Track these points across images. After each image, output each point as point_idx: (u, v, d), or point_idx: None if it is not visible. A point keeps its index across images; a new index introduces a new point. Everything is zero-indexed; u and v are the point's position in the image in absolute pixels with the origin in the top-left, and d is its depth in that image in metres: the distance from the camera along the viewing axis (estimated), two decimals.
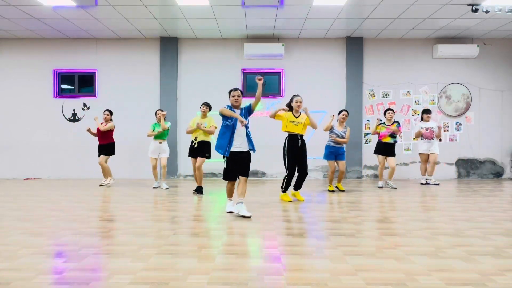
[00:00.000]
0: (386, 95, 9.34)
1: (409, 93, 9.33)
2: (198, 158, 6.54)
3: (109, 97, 9.35)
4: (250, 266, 2.77)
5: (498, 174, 9.40)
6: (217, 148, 4.75)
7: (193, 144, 6.63)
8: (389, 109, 7.49)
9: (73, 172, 9.36)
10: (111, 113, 7.72)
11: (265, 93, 9.42)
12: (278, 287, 2.39)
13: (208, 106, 6.79)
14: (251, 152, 4.82)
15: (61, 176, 9.39)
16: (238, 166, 4.71)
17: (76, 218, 4.51)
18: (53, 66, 9.39)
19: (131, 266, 2.77)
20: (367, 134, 9.31)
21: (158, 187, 7.43)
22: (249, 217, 4.45)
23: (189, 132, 6.75)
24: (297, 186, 5.93)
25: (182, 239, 3.56)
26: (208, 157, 6.61)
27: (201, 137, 6.57)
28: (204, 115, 6.75)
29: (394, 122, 7.37)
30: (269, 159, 8.91)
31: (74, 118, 9.41)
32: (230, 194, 4.94)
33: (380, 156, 7.37)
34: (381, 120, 7.50)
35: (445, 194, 6.71)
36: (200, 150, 6.54)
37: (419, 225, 4.12)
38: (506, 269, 2.73)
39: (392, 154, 7.29)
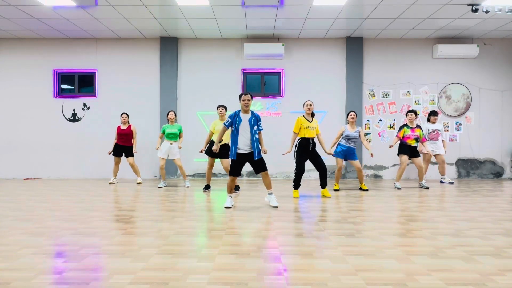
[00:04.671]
0: (386, 95, 9.34)
1: (409, 93, 9.33)
2: (223, 160, 6.70)
3: (109, 97, 9.36)
4: (250, 266, 2.77)
5: (498, 174, 9.40)
6: (230, 153, 5.21)
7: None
8: (410, 110, 7.36)
9: (73, 172, 9.37)
10: (128, 115, 8.19)
11: (265, 93, 9.43)
12: (278, 287, 2.39)
13: (225, 107, 6.88)
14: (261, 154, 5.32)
15: (61, 176, 9.39)
16: (242, 166, 5.19)
17: (76, 218, 4.51)
18: (53, 66, 9.39)
19: (131, 266, 2.77)
20: (367, 134, 9.31)
21: (165, 186, 7.60)
22: (276, 207, 5.17)
23: (210, 136, 6.79)
24: (323, 184, 6.26)
25: (182, 239, 3.56)
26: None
27: (224, 140, 6.64)
28: (222, 117, 6.79)
29: (418, 126, 7.36)
30: (268, 160, 8.86)
31: (74, 118, 9.41)
32: (230, 190, 5.28)
33: (405, 156, 7.26)
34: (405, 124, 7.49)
35: (445, 194, 6.71)
36: (222, 152, 6.61)
37: (419, 225, 4.13)
38: (506, 269, 2.73)
39: (418, 155, 7.32)
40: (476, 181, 8.83)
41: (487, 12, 7.06)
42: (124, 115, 8.03)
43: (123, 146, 8.02)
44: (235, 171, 5.15)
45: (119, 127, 8.07)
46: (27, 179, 9.22)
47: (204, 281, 2.47)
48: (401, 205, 5.47)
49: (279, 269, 2.70)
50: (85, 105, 9.41)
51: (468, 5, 7.10)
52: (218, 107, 6.85)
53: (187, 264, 2.82)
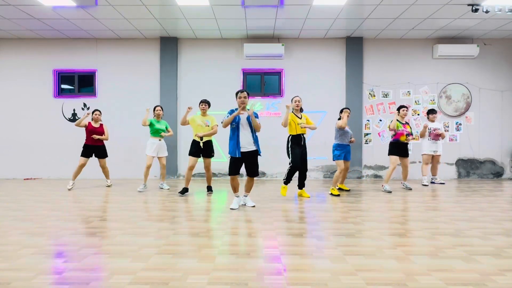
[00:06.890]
0: (386, 95, 9.34)
1: (409, 93, 9.33)
2: (206, 159, 6.48)
3: (109, 97, 9.36)
4: (250, 266, 2.77)
5: (498, 174, 9.40)
6: (230, 153, 5.08)
7: (200, 145, 6.41)
8: (403, 106, 7.09)
9: (73, 172, 9.34)
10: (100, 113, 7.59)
11: (265, 93, 9.43)
12: (278, 287, 2.39)
13: (207, 103, 6.50)
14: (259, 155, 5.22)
15: (61, 176, 9.38)
16: (243, 164, 5.13)
17: (76, 218, 4.51)
18: (53, 66, 9.39)
19: (131, 266, 2.77)
20: (367, 134, 9.31)
21: (145, 190, 6.96)
22: (253, 206, 5.28)
23: (182, 123, 6.48)
24: (300, 185, 6.21)
25: (182, 239, 3.56)
26: (213, 156, 6.58)
27: (207, 137, 6.45)
28: (204, 113, 6.50)
29: (406, 123, 7.13)
30: (269, 160, 8.92)
31: (74, 118, 9.41)
32: (235, 189, 5.26)
33: (394, 157, 7.00)
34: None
35: (445, 194, 6.71)
36: (206, 150, 6.45)
37: (419, 225, 4.12)
38: (506, 269, 2.73)
39: (407, 154, 7.11)
40: (476, 181, 8.83)
41: (487, 12, 7.06)
42: (97, 112, 7.40)
43: (94, 146, 7.34)
44: (235, 170, 5.07)
45: (89, 123, 7.36)
46: (27, 179, 9.22)
47: (204, 281, 2.47)
48: (400, 205, 5.47)
49: (279, 269, 2.70)
50: (85, 105, 9.41)
51: (468, 5, 7.10)
52: (200, 102, 6.48)
53: (187, 264, 2.82)
